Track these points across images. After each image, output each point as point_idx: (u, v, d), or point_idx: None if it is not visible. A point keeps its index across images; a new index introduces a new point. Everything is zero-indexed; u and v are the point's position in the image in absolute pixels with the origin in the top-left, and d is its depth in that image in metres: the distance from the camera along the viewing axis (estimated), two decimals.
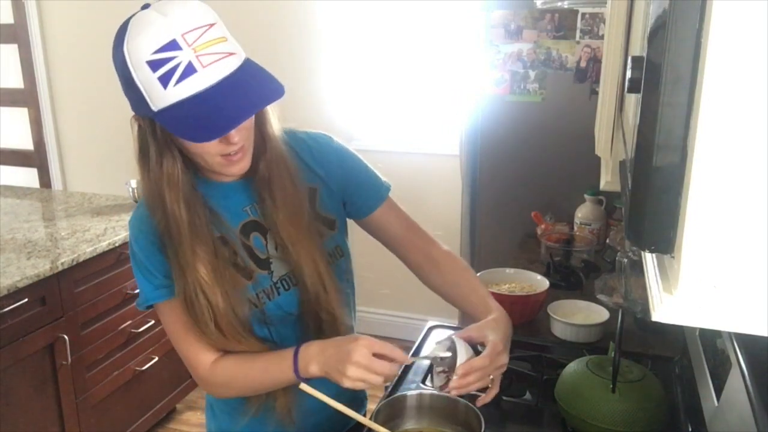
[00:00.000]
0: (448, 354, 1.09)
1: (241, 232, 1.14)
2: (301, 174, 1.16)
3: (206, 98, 0.94)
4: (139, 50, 0.94)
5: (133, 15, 0.98)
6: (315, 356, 1.05)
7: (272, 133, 1.12)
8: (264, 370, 1.10)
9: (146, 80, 0.95)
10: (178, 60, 0.93)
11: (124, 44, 0.95)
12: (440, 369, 1.12)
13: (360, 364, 1.00)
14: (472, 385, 1.04)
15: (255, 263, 1.14)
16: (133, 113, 1.04)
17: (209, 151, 1.02)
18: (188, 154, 1.05)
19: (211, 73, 0.95)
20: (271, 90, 1.00)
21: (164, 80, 0.94)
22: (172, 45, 0.93)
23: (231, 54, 0.97)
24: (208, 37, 0.95)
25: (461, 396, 1.10)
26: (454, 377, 1.04)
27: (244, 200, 1.15)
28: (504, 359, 1.07)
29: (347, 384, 1.01)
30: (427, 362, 1.38)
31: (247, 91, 0.97)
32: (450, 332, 1.31)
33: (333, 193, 1.22)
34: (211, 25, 0.97)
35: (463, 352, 1.06)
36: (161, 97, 0.95)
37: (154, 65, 0.93)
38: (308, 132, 1.24)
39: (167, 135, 1.02)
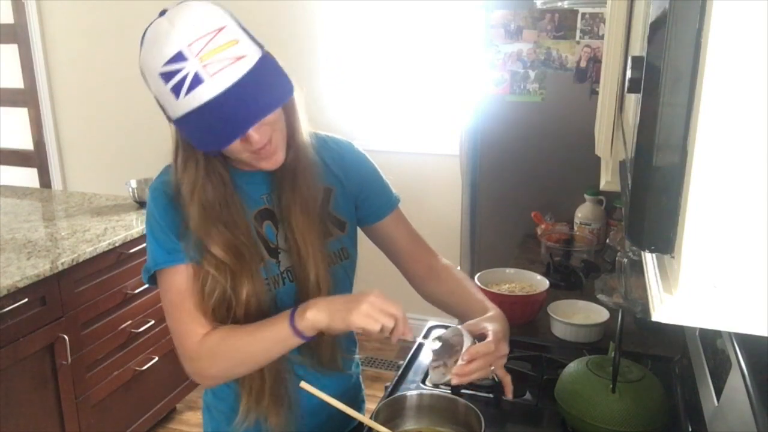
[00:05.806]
0: (447, 341, 1.12)
1: (255, 219, 1.15)
2: (320, 172, 1.18)
3: (213, 108, 0.95)
4: (152, 63, 0.96)
5: (151, 23, 0.99)
6: (318, 303, 1.05)
7: (299, 125, 1.14)
8: (256, 329, 1.08)
9: (160, 92, 0.98)
10: (186, 71, 0.94)
11: (140, 57, 0.98)
12: (437, 364, 1.13)
13: (374, 302, 1.02)
14: (473, 374, 1.06)
15: (266, 250, 1.15)
16: None
17: (234, 151, 1.04)
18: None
19: (218, 82, 0.94)
20: (280, 92, 1.00)
21: (175, 91, 0.95)
22: (178, 57, 0.94)
23: (240, 58, 0.96)
24: (215, 44, 0.95)
25: (461, 396, 1.10)
26: (460, 361, 1.05)
27: (263, 188, 1.17)
28: (505, 348, 1.11)
29: (356, 319, 1.01)
30: (427, 360, 1.39)
31: (254, 97, 0.97)
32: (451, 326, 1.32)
33: (348, 196, 1.24)
34: (220, 29, 0.96)
35: (468, 339, 1.09)
36: (174, 108, 0.98)
37: (166, 77, 0.95)
38: (330, 135, 1.27)
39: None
